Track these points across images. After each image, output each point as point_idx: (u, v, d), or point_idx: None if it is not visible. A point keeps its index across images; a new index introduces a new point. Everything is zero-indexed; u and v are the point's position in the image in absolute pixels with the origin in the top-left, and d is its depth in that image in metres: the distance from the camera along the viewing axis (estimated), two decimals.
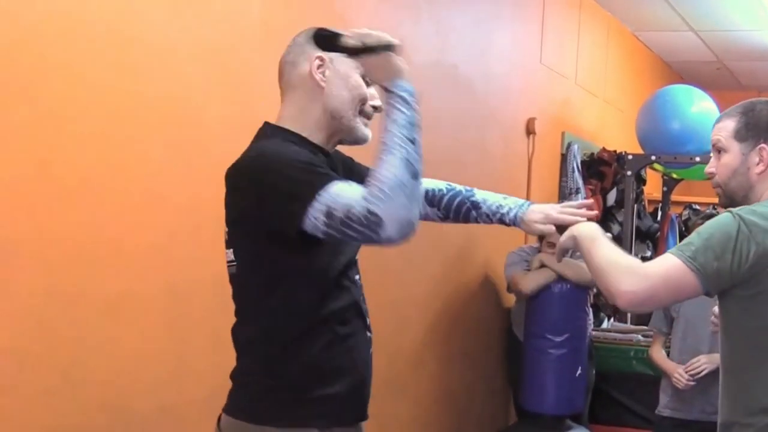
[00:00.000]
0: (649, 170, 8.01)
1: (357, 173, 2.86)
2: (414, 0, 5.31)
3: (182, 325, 3.75)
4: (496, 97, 6.32)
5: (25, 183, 3.11)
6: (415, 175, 2.47)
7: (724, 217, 2.79)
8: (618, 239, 7.55)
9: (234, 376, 2.79)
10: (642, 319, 7.09)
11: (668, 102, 7.49)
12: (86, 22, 3.28)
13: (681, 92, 7.64)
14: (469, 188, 3.19)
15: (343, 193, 2.41)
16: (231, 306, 3.95)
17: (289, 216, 2.47)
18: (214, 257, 3.88)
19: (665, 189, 8.34)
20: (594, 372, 6.41)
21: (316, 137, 2.72)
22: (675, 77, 10.06)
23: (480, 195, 3.17)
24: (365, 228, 2.38)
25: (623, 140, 8.21)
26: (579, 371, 5.93)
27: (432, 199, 3.22)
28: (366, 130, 2.75)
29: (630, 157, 7.40)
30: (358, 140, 2.77)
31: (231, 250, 2.77)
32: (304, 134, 2.70)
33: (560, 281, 5.82)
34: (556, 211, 3.08)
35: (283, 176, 2.50)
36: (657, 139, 7.40)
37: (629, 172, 7.32)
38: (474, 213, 3.15)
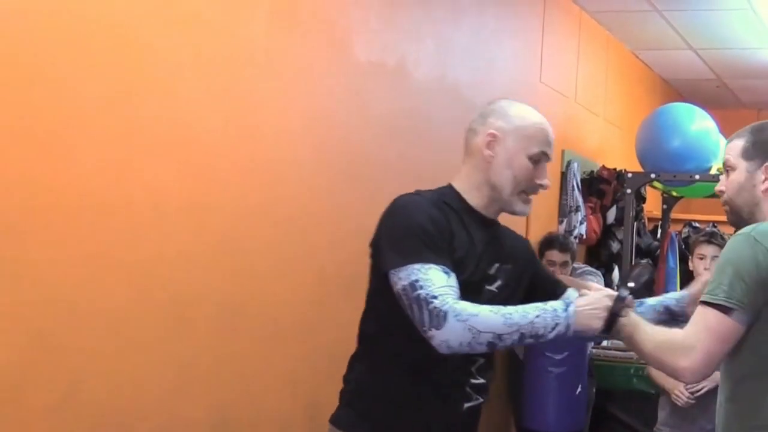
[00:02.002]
0: (648, 188, 8.02)
1: (535, 268, 3.21)
2: (415, 20, 5.33)
3: (184, 343, 3.76)
4: None
5: (25, 197, 3.11)
6: (492, 346, 2.72)
7: (737, 242, 2.81)
8: (618, 257, 7.56)
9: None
10: None
11: (668, 120, 7.50)
12: (87, 34, 3.29)
13: (681, 110, 7.64)
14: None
15: (438, 282, 2.71)
16: (231, 324, 3.98)
17: (382, 260, 2.86)
18: (217, 273, 3.91)
19: (665, 207, 8.34)
20: (594, 390, 6.41)
21: (477, 202, 2.99)
22: (674, 95, 10.07)
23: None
24: (426, 319, 2.69)
25: (623, 158, 8.22)
26: (579, 389, 5.93)
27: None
28: (524, 207, 3.01)
29: (630, 175, 7.41)
30: (515, 214, 3.03)
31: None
32: (466, 197, 2.99)
33: None
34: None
35: (396, 228, 2.88)
36: (656, 157, 7.40)
37: (629, 190, 7.33)
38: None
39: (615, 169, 7.74)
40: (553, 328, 2.71)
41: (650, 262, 7.98)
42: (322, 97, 4.51)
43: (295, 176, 4.34)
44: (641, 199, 7.96)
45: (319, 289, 4.52)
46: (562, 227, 7.19)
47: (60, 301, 3.24)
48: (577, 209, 7.33)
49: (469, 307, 2.69)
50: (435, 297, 2.69)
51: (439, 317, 2.66)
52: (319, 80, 4.48)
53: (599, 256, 7.80)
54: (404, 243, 2.81)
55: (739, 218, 3.03)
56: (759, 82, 9.73)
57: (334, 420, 3.10)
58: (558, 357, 5.83)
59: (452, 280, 2.76)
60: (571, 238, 6.82)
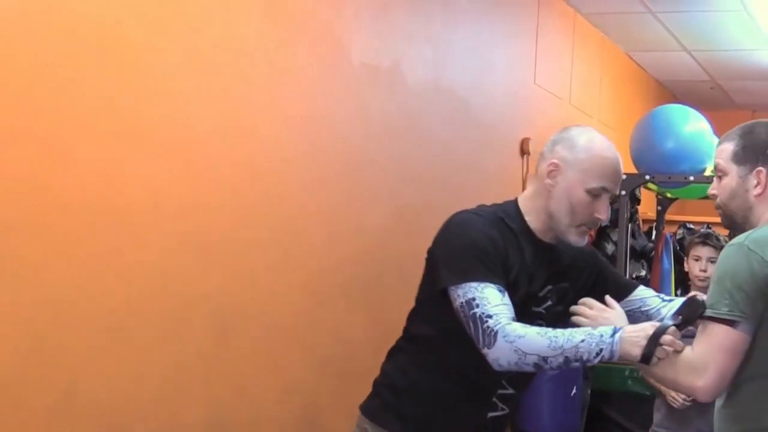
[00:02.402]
0: (643, 189, 8.00)
1: (605, 275, 3.26)
2: (410, 23, 5.33)
3: (182, 343, 3.76)
4: (491, 118, 6.34)
5: (23, 197, 3.12)
6: (539, 367, 2.80)
7: (731, 252, 2.80)
8: (612, 258, 7.56)
9: None
10: None
11: (662, 121, 7.48)
12: (84, 34, 3.30)
13: (675, 112, 7.62)
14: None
15: (493, 301, 2.81)
16: (229, 325, 3.98)
17: (438, 277, 2.94)
18: (215, 273, 3.91)
19: (659, 208, 8.33)
20: (589, 391, 6.41)
21: (535, 226, 3.06)
22: (669, 97, 10.07)
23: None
24: (480, 337, 2.79)
25: None
26: (574, 391, 5.93)
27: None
28: (579, 239, 3.05)
29: (624, 176, 7.38)
30: (570, 244, 3.06)
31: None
32: (527, 218, 3.06)
33: None
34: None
35: (454, 246, 2.95)
36: (651, 158, 7.39)
37: (623, 192, 7.31)
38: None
39: None
40: (598, 354, 2.75)
41: (644, 263, 7.98)
42: (318, 99, 4.51)
43: (292, 177, 4.34)
44: (636, 200, 7.95)
45: (316, 289, 4.52)
46: None
47: (58, 302, 3.24)
48: None
49: (518, 329, 2.78)
50: (490, 316, 2.79)
51: (491, 336, 2.78)
52: (314, 82, 4.48)
53: None
54: (462, 260, 2.90)
55: (732, 222, 3.03)
56: (753, 84, 9.74)
57: (364, 408, 3.22)
58: None
59: (506, 298, 2.85)
60: None
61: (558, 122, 7.52)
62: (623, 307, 3.08)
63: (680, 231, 8.21)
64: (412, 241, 5.21)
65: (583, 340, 2.75)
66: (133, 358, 3.55)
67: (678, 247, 7.84)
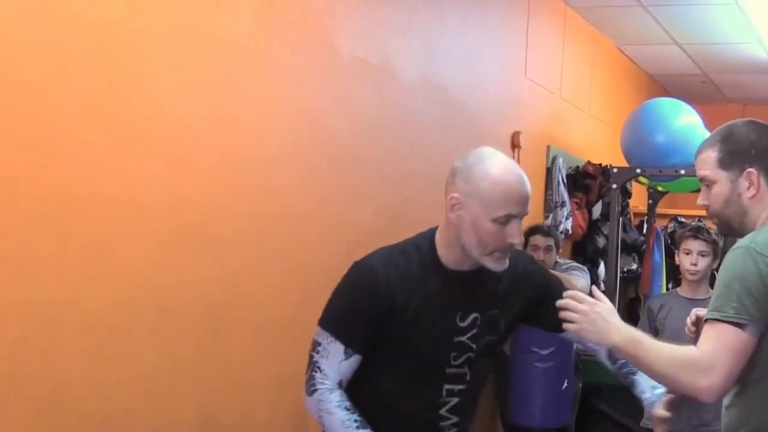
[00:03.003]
0: (634, 183, 8.02)
1: (546, 306, 3.09)
2: (401, 18, 5.32)
3: (169, 341, 3.74)
4: (481, 111, 6.33)
5: (8, 195, 3.10)
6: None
7: (738, 256, 2.77)
8: (604, 252, 7.57)
9: None
10: None
11: (653, 115, 7.49)
12: (71, 30, 3.28)
13: (666, 105, 7.63)
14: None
15: (333, 358, 2.94)
16: (220, 321, 3.97)
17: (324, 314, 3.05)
18: (203, 270, 3.90)
19: (650, 202, 8.34)
20: (581, 385, 6.41)
21: (448, 260, 2.98)
22: (660, 91, 10.08)
23: (640, 374, 3.17)
24: (306, 380, 2.97)
25: (608, 153, 8.22)
26: (565, 384, 5.93)
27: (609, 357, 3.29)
28: (497, 265, 2.95)
29: (615, 170, 7.40)
30: (490, 270, 2.97)
31: None
32: (440, 252, 2.99)
33: None
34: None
35: (338, 291, 3.05)
36: (642, 152, 7.40)
37: (614, 186, 7.33)
38: (630, 385, 3.25)
39: (600, 164, 7.73)
40: None
41: (635, 257, 8.00)
42: (307, 95, 4.50)
43: (281, 173, 4.33)
44: (627, 194, 7.96)
45: (307, 284, 4.50)
46: (548, 222, 7.19)
47: (46, 298, 3.23)
48: (563, 204, 7.34)
49: (333, 404, 2.91)
50: (320, 369, 2.94)
51: (311, 387, 2.95)
52: (303, 77, 4.47)
53: (585, 251, 7.80)
54: (332, 305, 3.03)
55: (730, 229, 3.00)
56: (744, 77, 9.75)
57: None
58: (544, 352, 5.83)
59: (346, 362, 2.94)
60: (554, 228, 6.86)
61: (549, 116, 7.56)
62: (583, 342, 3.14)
63: (671, 224, 8.23)
64: (401, 236, 5.21)
65: None
66: (124, 355, 3.54)
67: (669, 241, 7.85)
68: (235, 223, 4.07)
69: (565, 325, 2.88)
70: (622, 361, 3.18)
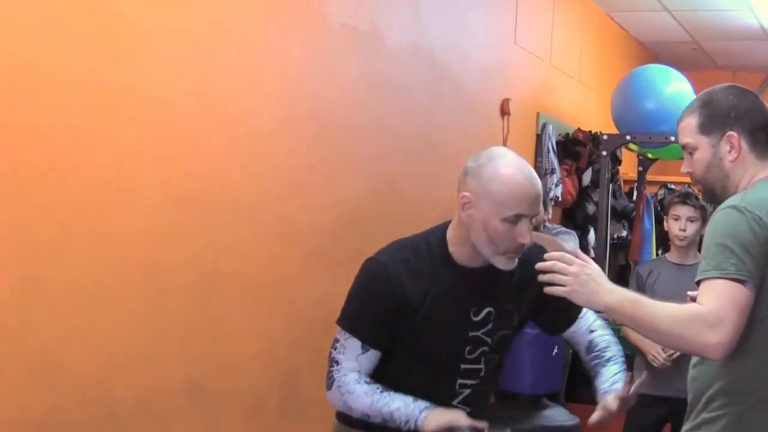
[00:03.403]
0: (624, 150, 8.02)
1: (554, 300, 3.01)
2: None
3: (158, 311, 3.74)
4: (471, 78, 6.32)
5: None
6: (366, 417, 2.99)
7: (729, 215, 2.77)
8: (593, 219, 7.58)
9: None
10: None
11: (643, 82, 7.49)
12: (61, 5, 3.26)
13: (656, 72, 7.63)
14: (608, 359, 3.28)
15: (349, 352, 3.00)
16: (207, 295, 3.97)
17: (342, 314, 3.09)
18: (193, 240, 3.89)
19: (640, 169, 8.35)
20: (570, 351, 6.42)
21: (460, 257, 3.02)
22: (650, 57, 10.06)
23: (606, 367, 3.26)
24: (326, 377, 3.03)
25: (598, 120, 8.22)
26: (555, 350, 5.94)
27: (588, 354, 3.33)
28: (507, 264, 2.98)
29: (605, 137, 7.41)
30: (499, 268, 3.00)
31: None
32: (451, 249, 3.03)
33: None
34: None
35: (353, 291, 3.09)
36: (632, 119, 7.40)
37: (604, 152, 7.33)
38: (594, 373, 3.29)
39: (590, 131, 7.73)
40: (406, 422, 2.91)
41: (625, 224, 8.00)
42: (296, 62, 4.49)
43: (269, 140, 4.32)
44: (617, 161, 7.96)
45: (294, 252, 4.51)
46: None
47: (35, 267, 3.23)
48: (553, 171, 7.33)
49: (350, 383, 2.98)
50: (337, 362, 3.01)
51: (330, 380, 3.01)
52: (292, 45, 4.45)
53: (575, 218, 7.81)
54: (348, 305, 3.08)
55: (713, 194, 3.00)
56: (734, 44, 9.73)
57: (341, 416, 3.23)
58: None
59: (365, 356, 3.00)
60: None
61: (539, 83, 7.55)
62: (570, 335, 3.25)
63: (661, 191, 8.24)
64: (391, 204, 5.23)
65: (398, 408, 2.91)
66: (108, 328, 3.53)
67: (659, 208, 7.87)
68: (225, 191, 4.06)
69: (553, 289, 2.81)
70: (596, 353, 3.24)
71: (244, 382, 4.23)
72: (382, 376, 3.04)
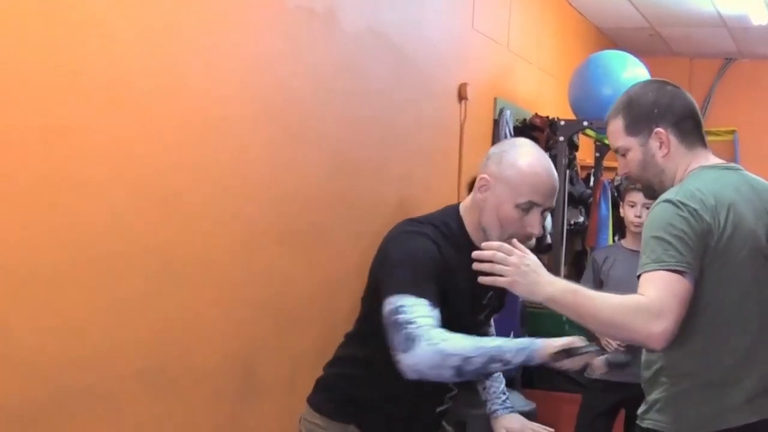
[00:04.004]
0: (581, 136, 8.04)
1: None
2: None
3: (115, 301, 3.69)
4: (428, 63, 6.29)
5: None
6: (459, 371, 2.77)
7: (664, 210, 2.80)
8: None
9: None
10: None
11: (600, 68, 7.51)
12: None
13: (613, 58, 7.66)
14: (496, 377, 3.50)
15: (420, 311, 2.81)
16: (165, 281, 3.92)
17: (380, 288, 2.95)
18: (150, 223, 3.84)
19: (597, 155, 8.38)
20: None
21: (475, 237, 3.07)
22: (608, 43, 10.09)
23: (492, 380, 3.48)
24: (399, 341, 2.80)
25: (556, 106, 8.23)
26: (511, 336, 5.93)
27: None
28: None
29: (562, 123, 7.41)
30: None
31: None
32: (469, 230, 3.09)
33: None
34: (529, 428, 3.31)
35: (393, 260, 2.97)
36: (589, 104, 7.42)
37: (561, 138, 7.34)
38: (479, 384, 3.49)
39: (548, 117, 7.73)
40: (516, 353, 2.78)
41: (582, 210, 8.01)
42: (253, 44, 4.44)
43: (225, 124, 4.27)
44: (574, 147, 7.97)
45: (253, 236, 4.48)
46: None
47: None
48: None
49: (442, 333, 2.79)
50: (412, 322, 2.79)
51: (411, 340, 2.77)
52: (249, 27, 4.40)
53: None
54: (399, 273, 2.92)
55: (652, 190, 3.06)
56: (691, 31, 9.77)
57: (314, 404, 3.29)
58: None
59: (435, 312, 2.85)
60: None
61: (496, 68, 7.53)
62: None
63: (618, 177, 8.25)
64: (349, 186, 5.20)
65: (505, 342, 2.81)
66: (64, 313, 3.47)
67: (616, 194, 7.89)
68: (183, 178, 4.01)
69: (493, 279, 2.84)
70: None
71: (202, 370, 4.18)
72: (384, 357, 3.00)
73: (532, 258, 2.83)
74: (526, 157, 3.02)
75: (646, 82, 3.09)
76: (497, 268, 2.80)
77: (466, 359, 2.75)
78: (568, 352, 2.77)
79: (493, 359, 2.76)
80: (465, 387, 3.21)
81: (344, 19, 5.19)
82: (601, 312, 2.75)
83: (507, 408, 3.42)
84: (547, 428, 3.29)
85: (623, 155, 3.05)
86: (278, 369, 4.72)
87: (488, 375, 2.89)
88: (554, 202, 3.10)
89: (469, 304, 3.08)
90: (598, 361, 2.87)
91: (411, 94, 6.07)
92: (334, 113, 5.12)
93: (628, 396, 5.01)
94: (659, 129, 2.95)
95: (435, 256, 2.96)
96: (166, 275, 3.96)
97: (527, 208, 2.98)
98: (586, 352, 2.78)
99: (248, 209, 4.44)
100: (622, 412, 5.61)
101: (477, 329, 3.14)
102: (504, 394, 3.45)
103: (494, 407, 3.43)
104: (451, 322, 2.92)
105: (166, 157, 3.91)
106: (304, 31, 4.84)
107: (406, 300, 2.84)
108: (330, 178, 5.09)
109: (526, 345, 2.78)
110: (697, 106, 3.07)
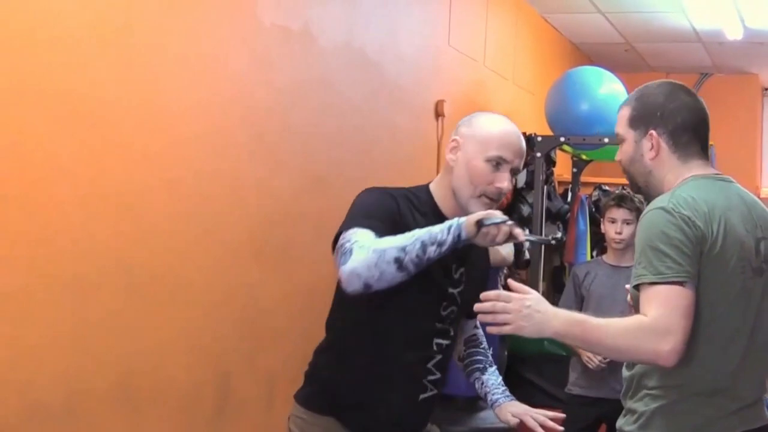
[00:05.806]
0: (558, 151, 8.04)
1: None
2: None
3: (89, 309, 3.67)
4: (405, 80, 6.29)
5: None
6: (399, 262, 2.80)
7: (656, 218, 2.79)
8: (528, 220, 7.58)
9: None
10: (554, 299, 7.10)
11: (576, 84, 7.52)
12: None
13: (589, 74, 7.67)
14: (489, 364, 3.60)
15: (361, 237, 2.87)
16: (138, 299, 3.90)
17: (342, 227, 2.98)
18: (121, 238, 3.82)
19: (575, 170, 8.38)
20: (506, 353, 6.42)
21: (442, 205, 3.16)
22: (584, 59, 10.11)
23: (488, 374, 3.55)
24: (339, 259, 2.87)
25: (533, 122, 8.23)
26: (491, 353, 5.92)
27: (467, 347, 3.61)
28: (481, 208, 3.05)
29: (539, 138, 7.41)
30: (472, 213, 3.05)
31: None
32: (438, 203, 3.17)
33: None
34: (530, 415, 3.29)
35: (353, 207, 3.06)
36: (566, 120, 7.43)
37: (539, 154, 7.34)
38: (476, 382, 3.55)
39: (525, 133, 7.69)
40: (447, 229, 2.83)
41: (560, 225, 8.01)
42: (229, 62, 4.43)
43: (200, 138, 4.26)
44: (551, 162, 7.97)
45: (226, 252, 4.46)
46: None
47: None
48: None
49: (372, 239, 2.87)
50: (349, 241, 2.87)
51: (346, 253, 2.84)
52: (225, 45, 4.39)
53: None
54: (350, 215, 3.03)
55: (637, 186, 3.08)
56: (667, 46, 9.80)
57: (299, 397, 3.31)
58: None
59: (373, 237, 2.90)
60: None
61: (473, 84, 7.53)
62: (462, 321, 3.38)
63: (595, 192, 8.27)
64: (324, 202, 5.18)
65: (430, 229, 2.84)
66: (39, 327, 3.45)
67: (593, 209, 7.89)
68: (152, 190, 3.99)
69: (499, 328, 2.78)
70: (474, 349, 3.57)
71: (175, 383, 4.16)
72: (365, 326, 3.12)
73: (532, 296, 2.79)
74: (495, 117, 3.22)
75: (662, 83, 3.06)
76: (500, 318, 2.77)
77: (401, 248, 2.80)
78: (484, 222, 2.83)
79: (427, 242, 2.81)
80: (445, 400, 3.22)
81: (320, 36, 5.19)
82: (608, 339, 2.75)
83: (508, 397, 3.42)
84: (550, 413, 3.26)
85: (620, 142, 3.06)
86: (254, 387, 4.70)
87: (430, 261, 2.81)
88: (521, 166, 3.18)
89: (435, 272, 3.04)
90: (520, 231, 2.87)
91: (387, 111, 6.06)
92: (311, 130, 5.11)
93: (609, 411, 4.99)
94: (654, 132, 2.95)
95: (391, 207, 3.04)
96: (139, 293, 3.94)
97: (497, 163, 3.08)
98: (502, 222, 2.84)
99: (222, 226, 4.43)
100: (603, 427, 5.60)
101: (450, 304, 3.18)
102: (502, 385, 3.46)
103: (495, 397, 3.43)
104: (414, 295, 3.01)
105: (137, 174, 3.90)
106: (280, 49, 4.83)
107: (351, 231, 2.92)
108: (306, 194, 5.07)
109: (451, 222, 2.84)
110: (708, 122, 3.03)
